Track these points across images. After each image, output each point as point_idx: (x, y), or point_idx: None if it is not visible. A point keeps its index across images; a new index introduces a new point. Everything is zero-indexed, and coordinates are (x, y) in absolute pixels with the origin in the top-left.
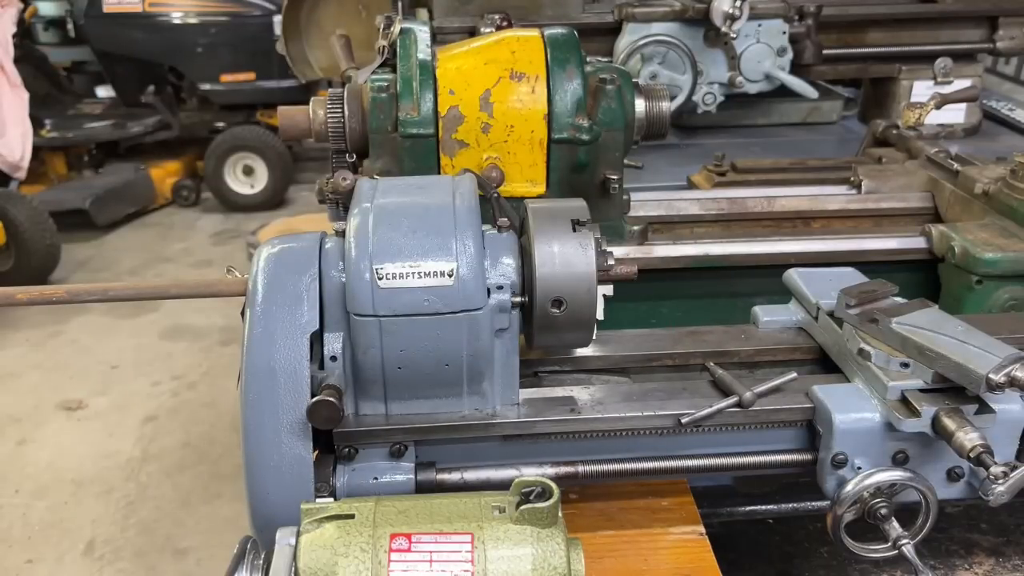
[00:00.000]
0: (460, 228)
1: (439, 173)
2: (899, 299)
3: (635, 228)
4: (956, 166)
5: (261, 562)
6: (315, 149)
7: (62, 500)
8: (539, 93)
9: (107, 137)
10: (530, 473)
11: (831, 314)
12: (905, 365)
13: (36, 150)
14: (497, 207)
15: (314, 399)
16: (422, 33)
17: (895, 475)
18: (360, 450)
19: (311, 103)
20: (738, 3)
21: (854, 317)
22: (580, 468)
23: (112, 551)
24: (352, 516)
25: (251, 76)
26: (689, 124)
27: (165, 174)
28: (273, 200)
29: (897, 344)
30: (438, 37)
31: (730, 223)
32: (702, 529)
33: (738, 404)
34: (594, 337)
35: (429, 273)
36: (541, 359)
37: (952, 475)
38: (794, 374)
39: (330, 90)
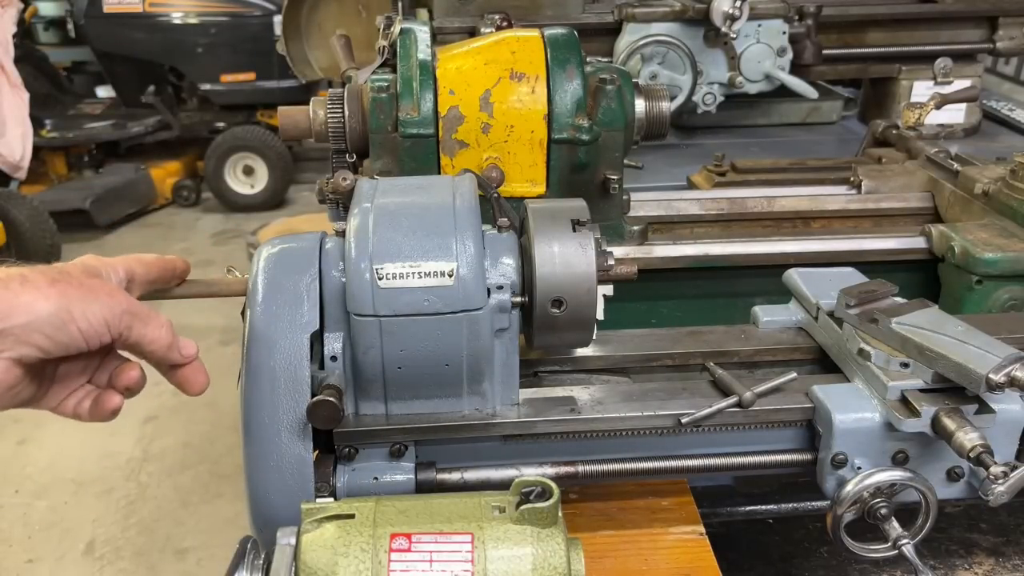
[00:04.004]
0: (460, 228)
1: (439, 173)
2: (899, 299)
3: (635, 228)
4: (956, 166)
5: (261, 562)
6: (315, 149)
7: (62, 500)
8: (539, 93)
9: (107, 137)
10: (530, 473)
11: (831, 314)
12: (905, 365)
13: (36, 150)
14: (497, 207)
15: (314, 399)
16: (422, 33)
17: (895, 475)
18: (360, 450)
19: (311, 103)
20: (738, 3)
21: (854, 317)
22: (580, 468)
23: (112, 551)
24: (352, 516)
25: (251, 76)
26: (689, 124)
27: (165, 174)
28: (273, 200)
29: (897, 344)
30: (438, 37)
31: (730, 223)
32: (702, 529)
33: (738, 404)
34: (594, 337)
35: (429, 273)
36: (541, 359)
37: (952, 475)
38: (794, 374)
39: (330, 90)
